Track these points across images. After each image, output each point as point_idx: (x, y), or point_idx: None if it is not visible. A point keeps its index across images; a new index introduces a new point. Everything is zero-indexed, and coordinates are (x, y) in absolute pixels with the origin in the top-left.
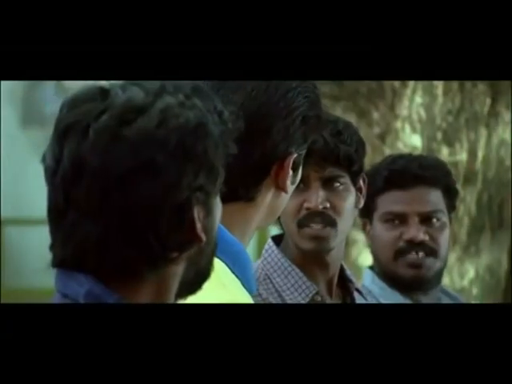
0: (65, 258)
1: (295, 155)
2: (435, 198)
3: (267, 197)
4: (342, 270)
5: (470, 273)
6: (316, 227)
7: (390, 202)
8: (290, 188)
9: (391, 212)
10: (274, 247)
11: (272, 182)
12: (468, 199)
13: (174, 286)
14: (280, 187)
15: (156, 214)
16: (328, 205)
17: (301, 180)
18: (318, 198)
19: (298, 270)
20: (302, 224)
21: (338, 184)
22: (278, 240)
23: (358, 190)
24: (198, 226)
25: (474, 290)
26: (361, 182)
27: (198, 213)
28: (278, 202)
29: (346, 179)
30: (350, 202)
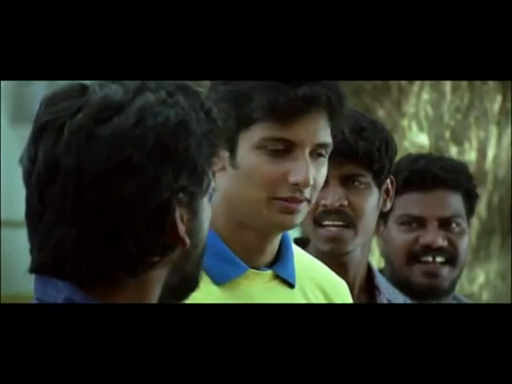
0: (42, 263)
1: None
2: (455, 202)
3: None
4: (370, 275)
5: (480, 278)
6: (332, 228)
7: (408, 203)
8: (230, 170)
9: (409, 214)
10: None
11: None
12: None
13: (156, 292)
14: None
15: (134, 217)
16: (346, 202)
17: None
18: (334, 194)
19: None
20: (317, 221)
21: (358, 183)
22: (302, 242)
23: (385, 191)
24: (181, 228)
25: (484, 296)
26: (388, 183)
27: (180, 215)
28: (221, 185)
29: (368, 179)
30: (371, 202)
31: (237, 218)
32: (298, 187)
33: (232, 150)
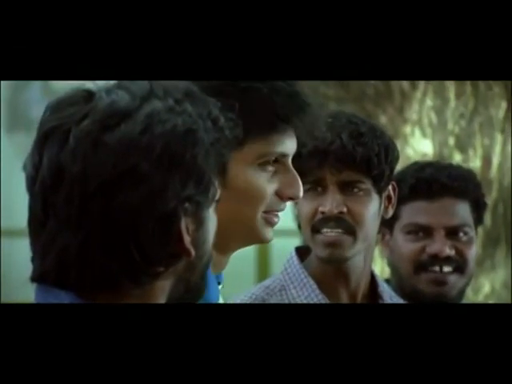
0: (44, 271)
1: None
2: (463, 210)
3: None
4: (374, 284)
5: (486, 288)
6: (330, 233)
7: (414, 212)
8: None
9: (415, 223)
10: (295, 258)
11: None
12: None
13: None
14: None
15: (139, 226)
16: (345, 209)
17: (318, 183)
18: (333, 201)
19: (312, 282)
20: (316, 229)
21: (357, 189)
22: (304, 251)
23: (387, 198)
24: (187, 238)
25: None
26: (390, 189)
27: (186, 225)
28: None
29: (367, 185)
30: (371, 209)
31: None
32: (293, 200)
33: (222, 170)
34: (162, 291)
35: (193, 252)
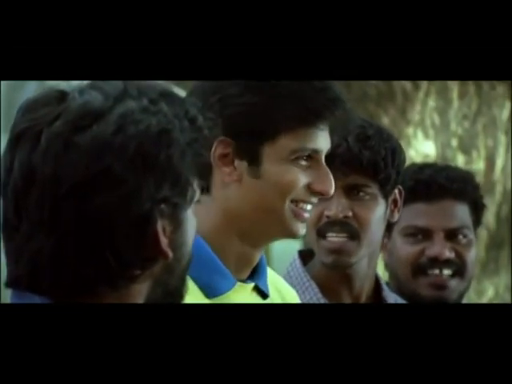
0: (18, 276)
1: (224, 140)
2: (462, 212)
3: (222, 189)
4: (378, 288)
5: (489, 292)
6: (335, 239)
7: (413, 214)
8: (248, 180)
9: (414, 226)
10: (298, 261)
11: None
12: (486, 212)
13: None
14: (222, 178)
15: (113, 228)
16: (350, 214)
17: None
18: (338, 205)
19: (314, 286)
20: (321, 233)
21: (363, 193)
22: (307, 255)
23: (393, 202)
24: (163, 240)
25: None
26: (396, 193)
27: (162, 226)
28: (232, 195)
29: (374, 189)
30: (376, 213)
31: (239, 228)
32: (322, 196)
33: (254, 160)
34: (139, 294)
35: (170, 254)
